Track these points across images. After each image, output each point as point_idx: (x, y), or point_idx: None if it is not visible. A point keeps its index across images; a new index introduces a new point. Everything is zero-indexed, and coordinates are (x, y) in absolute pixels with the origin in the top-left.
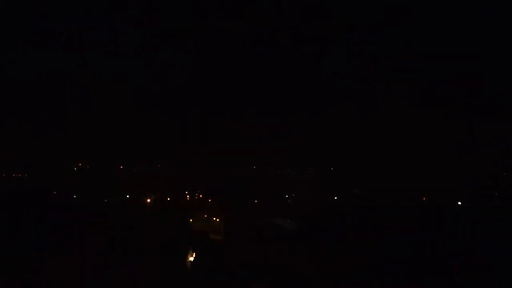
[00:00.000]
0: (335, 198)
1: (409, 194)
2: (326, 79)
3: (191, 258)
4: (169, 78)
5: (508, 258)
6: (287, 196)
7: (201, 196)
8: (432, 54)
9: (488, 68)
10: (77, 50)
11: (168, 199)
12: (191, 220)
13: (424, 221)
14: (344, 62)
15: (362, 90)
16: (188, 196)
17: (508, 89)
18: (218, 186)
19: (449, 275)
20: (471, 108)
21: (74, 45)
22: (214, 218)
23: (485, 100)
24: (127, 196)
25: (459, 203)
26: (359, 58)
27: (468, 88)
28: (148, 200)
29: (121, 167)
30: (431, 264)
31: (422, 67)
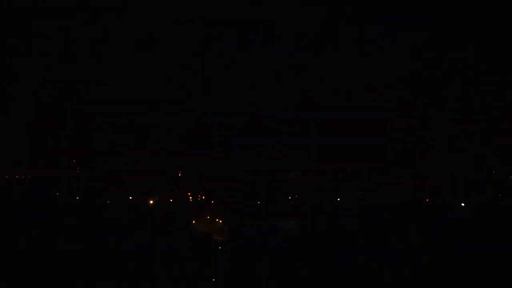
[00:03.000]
0: (338, 200)
1: (412, 195)
2: (327, 80)
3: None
4: (168, 77)
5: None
6: (290, 197)
7: (203, 197)
8: (432, 55)
9: (488, 67)
10: (78, 50)
11: (171, 200)
12: (193, 221)
13: (427, 223)
14: (345, 63)
15: (363, 90)
16: (191, 197)
17: (509, 88)
18: (221, 187)
19: (452, 277)
20: (473, 108)
21: (74, 45)
22: (217, 219)
23: (487, 99)
24: (130, 198)
25: (462, 204)
26: (359, 59)
27: (470, 87)
28: (151, 202)
29: (124, 168)
30: (434, 266)
31: (422, 68)
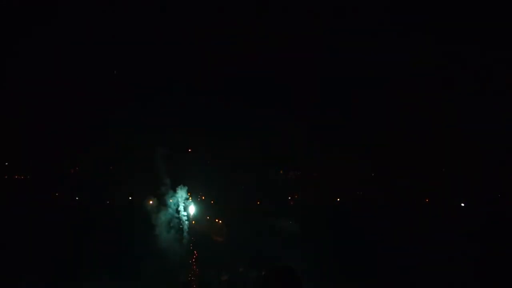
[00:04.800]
0: (338, 200)
1: (412, 195)
2: (327, 79)
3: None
4: (167, 76)
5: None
6: (289, 197)
7: (203, 197)
8: (431, 55)
9: (488, 68)
10: (78, 50)
11: (171, 200)
12: (193, 222)
13: (427, 223)
14: (344, 62)
15: (362, 90)
16: (190, 198)
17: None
18: (220, 188)
19: (452, 277)
20: (473, 108)
21: (73, 44)
22: (216, 220)
23: (486, 99)
24: (129, 198)
25: (462, 204)
26: (360, 59)
27: (469, 88)
28: (150, 202)
29: (123, 169)
30: (434, 266)
31: (422, 68)
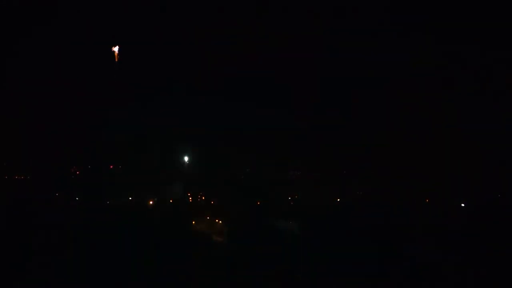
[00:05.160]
0: (338, 200)
1: (412, 195)
2: (327, 79)
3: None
4: (167, 76)
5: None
6: (289, 197)
7: (203, 198)
8: (432, 55)
9: (488, 68)
10: (77, 50)
11: (171, 200)
12: (193, 222)
13: (427, 223)
14: (344, 62)
15: (362, 90)
16: (190, 198)
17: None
18: (221, 188)
19: (452, 277)
20: (473, 108)
21: (73, 45)
22: (217, 220)
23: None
24: (129, 198)
25: (462, 204)
26: (358, 59)
27: (469, 88)
28: (151, 202)
29: (122, 169)
30: (434, 266)
31: (422, 69)
